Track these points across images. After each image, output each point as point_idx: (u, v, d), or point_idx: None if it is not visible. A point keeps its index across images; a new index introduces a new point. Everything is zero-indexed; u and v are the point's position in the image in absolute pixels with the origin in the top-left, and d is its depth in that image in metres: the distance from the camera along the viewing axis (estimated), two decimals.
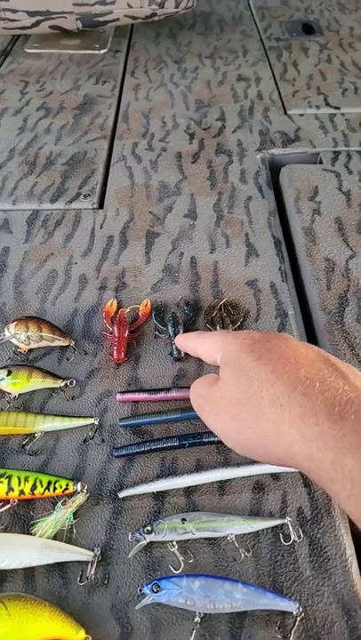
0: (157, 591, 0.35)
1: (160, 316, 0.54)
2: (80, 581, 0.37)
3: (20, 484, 0.41)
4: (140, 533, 0.38)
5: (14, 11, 0.91)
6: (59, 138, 0.79)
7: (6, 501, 0.41)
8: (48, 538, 0.39)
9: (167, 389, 0.47)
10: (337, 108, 0.84)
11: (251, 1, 1.18)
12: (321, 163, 0.74)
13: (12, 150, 0.77)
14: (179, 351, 0.50)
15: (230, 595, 0.35)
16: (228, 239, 0.63)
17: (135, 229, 0.65)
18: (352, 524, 0.40)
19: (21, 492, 0.41)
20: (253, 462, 0.42)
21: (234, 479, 0.42)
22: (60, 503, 0.40)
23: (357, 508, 0.28)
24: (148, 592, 0.35)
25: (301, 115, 0.83)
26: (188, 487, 0.42)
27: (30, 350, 0.51)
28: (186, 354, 0.50)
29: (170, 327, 0.52)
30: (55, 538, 0.39)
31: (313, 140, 0.77)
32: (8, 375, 0.47)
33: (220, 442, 0.41)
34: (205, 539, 0.39)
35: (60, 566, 0.38)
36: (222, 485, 0.42)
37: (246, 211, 0.66)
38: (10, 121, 0.83)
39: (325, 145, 0.76)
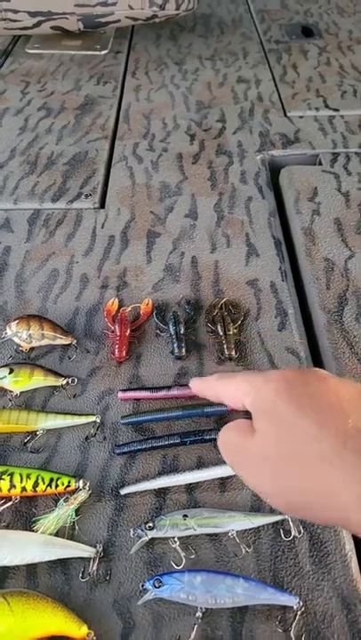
0: (159, 586, 0.36)
1: (161, 314, 0.54)
2: (82, 577, 0.38)
3: (22, 482, 0.41)
4: (142, 530, 0.39)
5: (16, 11, 0.91)
6: (60, 138, 0.80)
7: (8, 498, 0.41)
8: (50, 534, 0.39)
9: (168, 387, 0.47)
10: (336, 110, 0.84)
11: (251, 4, 1.19)
12: (320, 164, 0.74)
13: (14, 150, 0.77)
14: (180, 349, 0.50)
15: (232, 589, 0.35)
16: (228, 239, 0.63)
17: (136, 229, 0.65)
18: None
19: (23, 489, 0.41)
20: None
21: (235, 476, 0.42)
22: (62, 500, 0.40)
23: None
24: (150, 587, 0.36)
25: (301, 117, 0.83)
26: (190, 484, 0.42)
27: (32, 348, 0.52)
28: (187, 353, 0.50)
29: (171, 326, 0.52)
30: (57, 534, 0.39)
31: (312, 141, 0.78)
32: (10, 373, 0.47)
33: None
34: (207, 535, 0.40)
35: (63, 563, 0.38)
36: (223, 482, 0.42)
37: (247, 211, 0.67)
38: (11, 121, 0.84)
39: (325, 146, 0.77)
